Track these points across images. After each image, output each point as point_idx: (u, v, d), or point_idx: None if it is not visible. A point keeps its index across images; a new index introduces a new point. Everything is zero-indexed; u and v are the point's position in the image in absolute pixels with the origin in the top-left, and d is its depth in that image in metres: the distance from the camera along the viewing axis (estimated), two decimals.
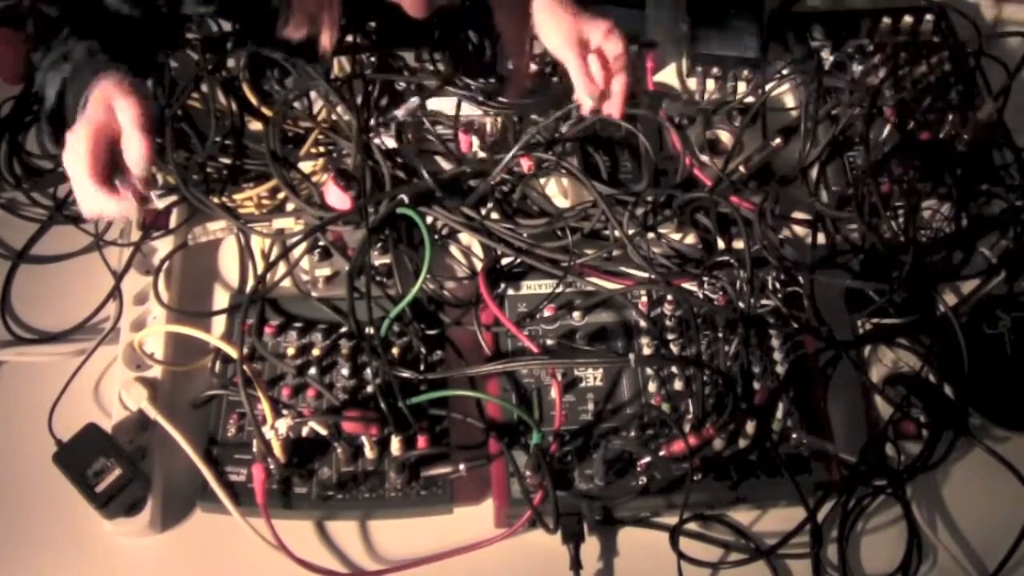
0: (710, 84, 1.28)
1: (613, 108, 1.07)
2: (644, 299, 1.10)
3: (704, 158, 1.20)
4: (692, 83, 1.31)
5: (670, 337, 1.07)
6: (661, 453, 0.98)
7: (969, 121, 1.18)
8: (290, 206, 1.16)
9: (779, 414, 1.01)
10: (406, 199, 1.09)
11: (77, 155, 0.89)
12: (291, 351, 1.05)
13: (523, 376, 1.05)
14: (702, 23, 1.27)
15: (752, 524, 1.03)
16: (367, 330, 1.05)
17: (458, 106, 1.20)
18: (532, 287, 1.11)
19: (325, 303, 1.09)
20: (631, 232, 1.11)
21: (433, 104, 1.21)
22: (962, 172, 1.17)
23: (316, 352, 1.05)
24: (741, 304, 1.07)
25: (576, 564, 0.97)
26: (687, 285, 1.10)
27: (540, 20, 1.07)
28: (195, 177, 1.16)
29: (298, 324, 1.08)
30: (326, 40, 0.78)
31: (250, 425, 0.99)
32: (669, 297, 1.09)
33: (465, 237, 1.17)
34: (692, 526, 1.02)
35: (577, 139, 1.18)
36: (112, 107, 0.90)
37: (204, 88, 1.20)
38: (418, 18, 0.72)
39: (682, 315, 1.08)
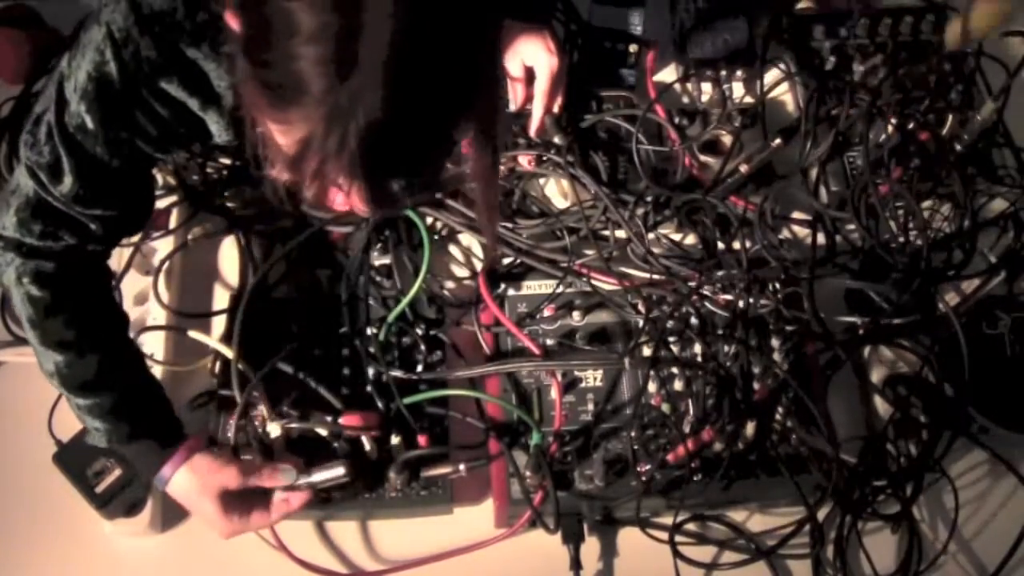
0: (706, 87, 1.28)
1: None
2: (643, 299, 1.09)
3: (704, 158, 1.20)
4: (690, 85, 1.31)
5: (670, 338, 1.07)
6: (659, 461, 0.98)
7: (969, 121, 1.18)
8: None
9: (779, 414, 1.01)
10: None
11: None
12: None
13: (523, 376, 1.05)
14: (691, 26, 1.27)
15: (752, 524, 1.04)
16: (368, 331, 1.05)
17: None
18: (532, 287, 1.11)
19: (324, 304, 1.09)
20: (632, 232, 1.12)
21: None
22: (962, 172, 1.17)
23: (316, 352, 1.05)
24: (741, 304, 1.07)
25: (576, 564, 0.97)
26: (687, 286, 1.10)
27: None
28: (195, 177, 1.16)
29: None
30: (310, 196, 0.81)
31: (252, 423, 0.99)
32: (669, 297, 1.09)
33: (465, 237, 1.17)
34: (692, 526, 1.02)
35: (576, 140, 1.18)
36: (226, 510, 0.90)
37: None
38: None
39: (682, 315, 1.08)
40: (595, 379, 1.05)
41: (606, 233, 1.15)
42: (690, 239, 1.17)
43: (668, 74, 1.31)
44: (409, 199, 0.67)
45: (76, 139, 0.80)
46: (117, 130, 0.81)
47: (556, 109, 1.16)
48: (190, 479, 0.90)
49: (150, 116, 0.82)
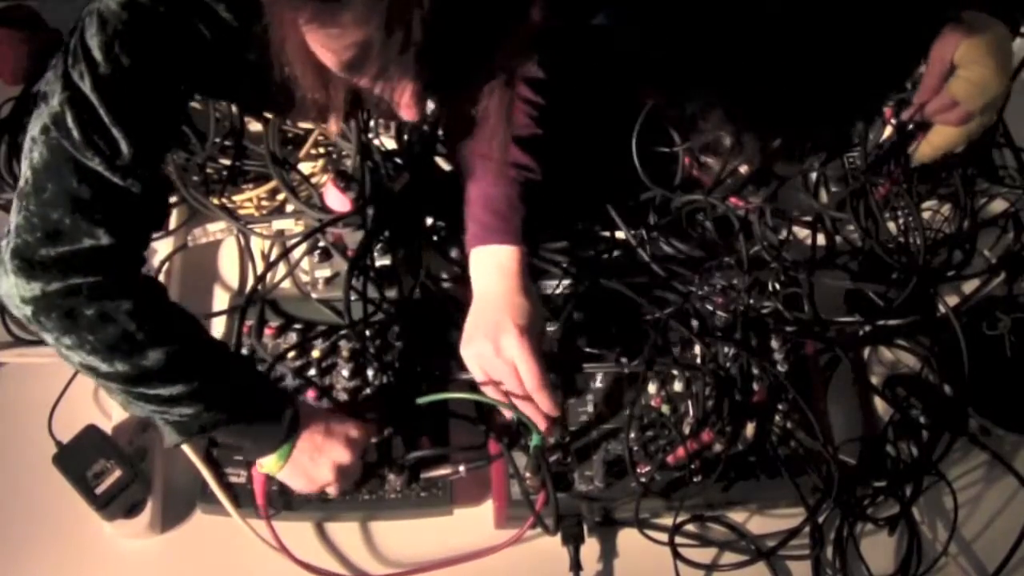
0: None
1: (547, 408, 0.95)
2: (644, 300, 1.09)
3: (704, 159, 1.20)
4: None
5: (670, 339, 1.06)
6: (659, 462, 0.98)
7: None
8: (290, 207, 1.16)
9: (778, 416, 1.01)
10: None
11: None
12: (291, 353, 1.05)
13: None
14: None
15: (752, 525, 1.03)
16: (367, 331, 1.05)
17: None
18: None
19: (325, 304, 1.09)
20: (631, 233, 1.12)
21: None
22: (963, 172, 1.17)
23: (316, 354, 1.05)
24: (740, 305, 1.07)
25: (576, 565, 0.97)
26: (687, 287, 1.10)
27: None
28: (195, 178, 1.16)
29: (298, 325, 1.08)
30: (334, 126, 0.78)
31: None
32: (669, 298, 1.09)
33: None
34: (692, 527, 1.02)
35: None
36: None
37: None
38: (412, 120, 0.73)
39: (682, 316, 1.08)
40: (595, 380, 1.05)
41: (605, 234, 1.15)
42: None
43: None
44: (462, 94, 0.66)
45: (113, 89, 0.73)
46: (152, 61, 0.74)
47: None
48: (326, 426, 0.92)
49: (188, 38, 0.75)
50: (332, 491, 0.96)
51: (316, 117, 0.71)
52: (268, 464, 0.91)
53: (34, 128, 0.76)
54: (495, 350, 0.91)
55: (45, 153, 0.75)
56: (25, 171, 0.76)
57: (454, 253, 1.17)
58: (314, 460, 0.92)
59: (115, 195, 0.76)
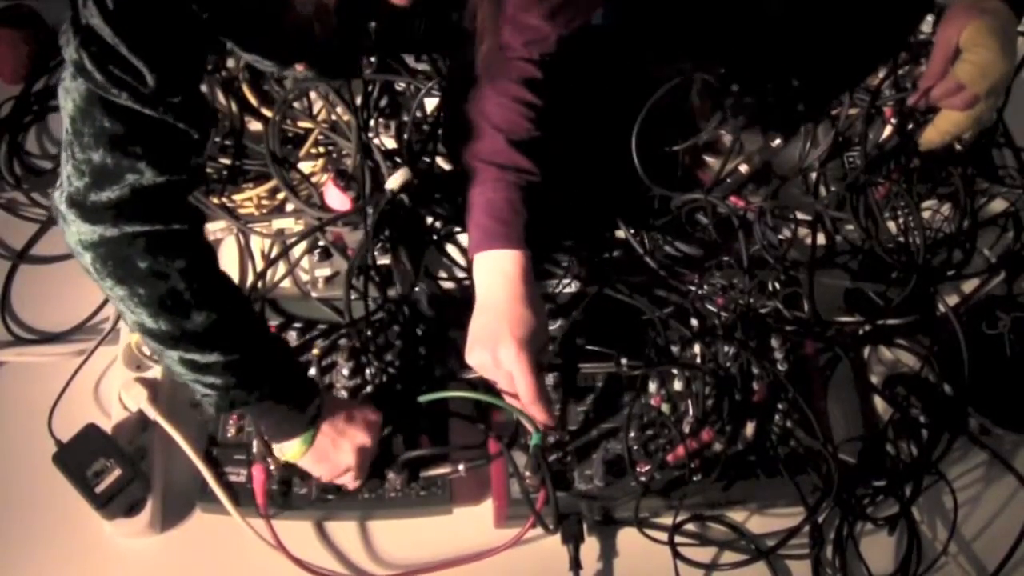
0: None
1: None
2: (644, 300, 1.09)
3: (705, 158, 1.20)
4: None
5: (669, 338, 1.06)
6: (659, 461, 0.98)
7: None
8: (290, 206, 1.16)
9: (778, 415, 1.01)
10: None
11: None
12: None
13: None
14: None
15: (752, 524, 1.03)
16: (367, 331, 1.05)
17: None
18: None
19: (325, 303, 1.09)
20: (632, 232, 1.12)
21: None
22: (963, 172, 1.17)
23: (316, 352, 1.05)
24: (740, 304, 1.07)
25: (576, 564, 0.97)
26: (687, 287, 1.10)
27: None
28: None
29: (298, 324, 1.08)
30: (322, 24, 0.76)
31: (250, 426, 0.99)
32: (669, 298, 1.09)
33: (464, 238, 1.17)
34: (692, 527, 1.02)
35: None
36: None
37: (204, 88, 1.20)
38: (403, 6, 0.71)
39: (681, 316, 1.08)
40: (595, 379, 1.05)
41: (606, 234, 1.14)
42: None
43: None
44: None
45: (123, 20, 0.71)
46: None
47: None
48: (347, 412, 0.93)
49: None
50: (350, 482, 0.96)
51: (304, 26, 0.70)
52: (291, 450, 0.92)
53: (63, 80, 0.76)
54: (493, 361, 0.91)
55: (76, 99, 0.75)
56: (64, 122, 0.77)
57: (454, 253, 1.17)
58: (336, 445, 0.92)
59: (149, 126, 0.76)
